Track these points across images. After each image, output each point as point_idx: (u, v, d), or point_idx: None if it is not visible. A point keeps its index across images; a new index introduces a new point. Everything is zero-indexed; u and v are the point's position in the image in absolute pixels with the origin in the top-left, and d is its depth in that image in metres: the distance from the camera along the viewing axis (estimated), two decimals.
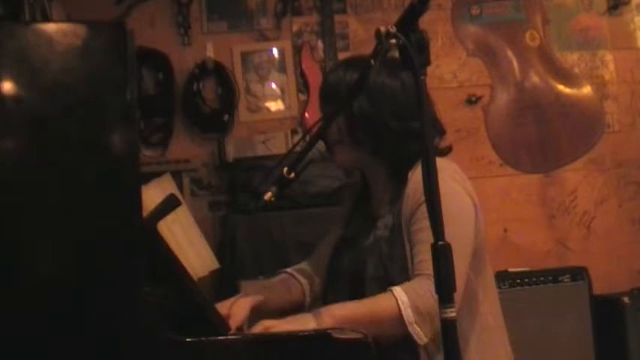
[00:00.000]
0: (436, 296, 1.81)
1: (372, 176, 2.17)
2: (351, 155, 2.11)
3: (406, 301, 1.86)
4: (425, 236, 1.90)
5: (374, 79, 1.99)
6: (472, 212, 2.01)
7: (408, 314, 1.85)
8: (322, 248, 2.28)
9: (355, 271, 2.08)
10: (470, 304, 2.00)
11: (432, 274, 1.83)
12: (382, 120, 2.03)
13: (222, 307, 2.09)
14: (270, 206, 1.97)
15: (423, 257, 1.91)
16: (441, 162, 2.00)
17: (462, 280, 1.91)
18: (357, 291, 2.01)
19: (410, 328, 1.86)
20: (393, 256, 1.99)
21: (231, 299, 2.15)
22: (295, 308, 2.21)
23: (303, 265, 2.30)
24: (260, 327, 1.89)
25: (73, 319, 1.63)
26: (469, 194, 2.02)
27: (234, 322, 2.03)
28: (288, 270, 2.30)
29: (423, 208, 1.90)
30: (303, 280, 2.26)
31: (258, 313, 2.07)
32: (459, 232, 1.91)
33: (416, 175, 1.99)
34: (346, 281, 2.10)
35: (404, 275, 1.96)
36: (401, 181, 2.03)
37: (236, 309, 2.08)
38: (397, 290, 1.88)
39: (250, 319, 2.05)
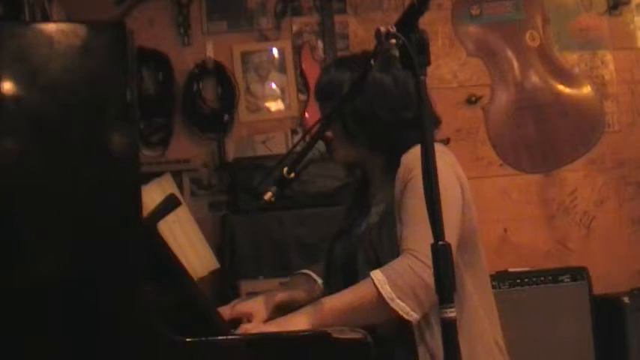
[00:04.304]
0: (416, 268, 1.83)
1: (371, 170, 2.17)
2: (349, 151, 2.12)
3: (382, 279, 1.84)
4: (410, 211, 1.91)
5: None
6: (459, 195, 1.99)
7: (386, 291, 1.83)
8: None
9: (347, 259, 2.08)
10: (458, 295, 1.98)
11: (412, 247, 1.85)
12: (374, 113, 2.04)
13: (245, 305, 2.10)
14: (270, 206, 1.97)
15: (406, 232, 1.91)
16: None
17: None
18: (350, 279, 1.99)
19: (392, 305, 1.82)
20: (382, 240, 1.98)
21: (255, 297, 2.16)
22: None
23: (317, 266, 2.31)
24: (241, 330, 1.90)
25: (72, 319, 1.63)
26: (458, 177, 2.01)
27: (256, 319, 2.03)
28: (305, 271, 2.30)
29: (411, 184, 1.91)
30: (320, 280, 2.26)
31: (284, 310, 2.06)
32: (446, 208, 1.89)
33: (405, 157, 1.99)
34: (340, 271, 2.10)
35: (394, 257, 1.94)
36: (395, 168, 2.04)
37: (258, 306, 2.09)
38: (374, 272, 1.86)
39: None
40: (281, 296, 2.16)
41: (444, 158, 2.00)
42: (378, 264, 1.95)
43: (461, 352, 1.90)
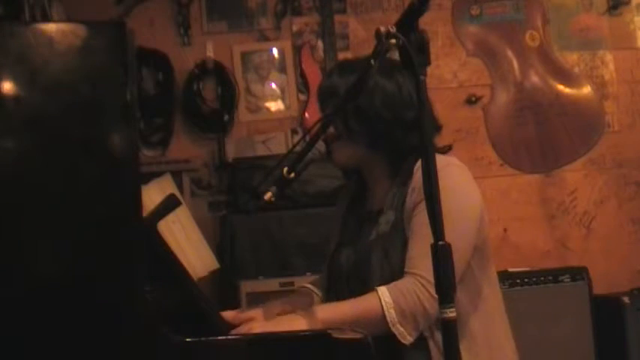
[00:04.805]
0: (421, 296, 1.87)
1: (371, 173, 2.16)
2: (349, 151, 2.11)
3: (389, 301, 1.87)
4: (419, 231, 1.92)
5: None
6: (478, 209, 2.01)
7: (391, 315, 1.87)
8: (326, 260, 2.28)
9: (356, 270, 2.07)
10: (476, 301, 2.00)
11: (421, 273, 1.88)
12: (376, 111, 2.04)
13: (246, 314, 2.10)
14: (270, 206, 1.97)
15: (414, 253, 1.92)
16: (448, 158, 2.01)
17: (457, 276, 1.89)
18: (358, 290, 1.99)
19: (393, 329, 1.87)
20: (395, 251, 1.98)
21: (256, 308, 2.17)
22: None
23: (318, 279, 2.31)
24: (245, 328, 1.90)
25: (72, 319, 1.63)
26: (476, 192, 2.03)
27: (257, 325, 2.03)
28: (307, 285, 2.31)
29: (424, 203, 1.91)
30: (320, 293, 2.27)
31: None
32: (460, 228, 1.91)
33: (420, 168, 1.99)
34: (347, 282, 2.10)
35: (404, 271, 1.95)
36: (402, 175, 2.04)
37: (259, 314, 2.09)
38: (381, 290, 1.89)
39: None
40: (282, 307, 2.16)
41: (460, 174, 2.02)
42: (391, 275, 1.95)
43: (480, 357, 1.94)
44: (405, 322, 1.87)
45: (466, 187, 2.02)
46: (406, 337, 1.89)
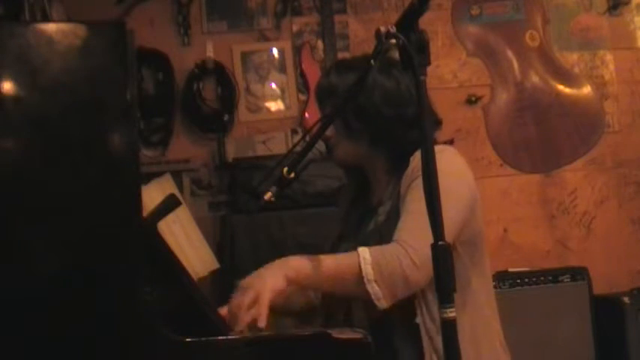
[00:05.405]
0: (403, 261, 1.83)
1: (372, 170, 2.17)
2: (350, 149, 2.12)
3: (368, 258, 1.85)
4: (411, 206, 1.92)
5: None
6: (468, 191, 2.01)
7: (367, 271, 1.84)
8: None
9: None
10: (464, 293, 2.00)
11: (406, 240, 1.86)
12: (376, 109, 2.05)
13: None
14: (270, 206, 1.97)
15: (403, 225, 1.91)
16: (442, 145, 2.02)
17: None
18: None
19: (368, 286, 1.84)
20: (389, 240, 1.98)
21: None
22: (310, 308, 2.24)
23: None
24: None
25: (72, 319, 1.63)
26: (467, 178, 2.03)
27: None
28: None
29: (417, 181, 1.90)
30: None
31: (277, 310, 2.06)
32: (449, 206, 1.90)
33: (415, 157, 2.00)
34: None
35: None
36: (402, 169, 2.04)
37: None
38: (362, 249, 1.87)
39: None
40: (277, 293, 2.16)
41: (455, 159, 2.03)
42: None
43: (466, 351, 1.94)
44: (382, 283, 1.84)
45: (459, 170, 2.01)
46: (380, 299, 1.85)
